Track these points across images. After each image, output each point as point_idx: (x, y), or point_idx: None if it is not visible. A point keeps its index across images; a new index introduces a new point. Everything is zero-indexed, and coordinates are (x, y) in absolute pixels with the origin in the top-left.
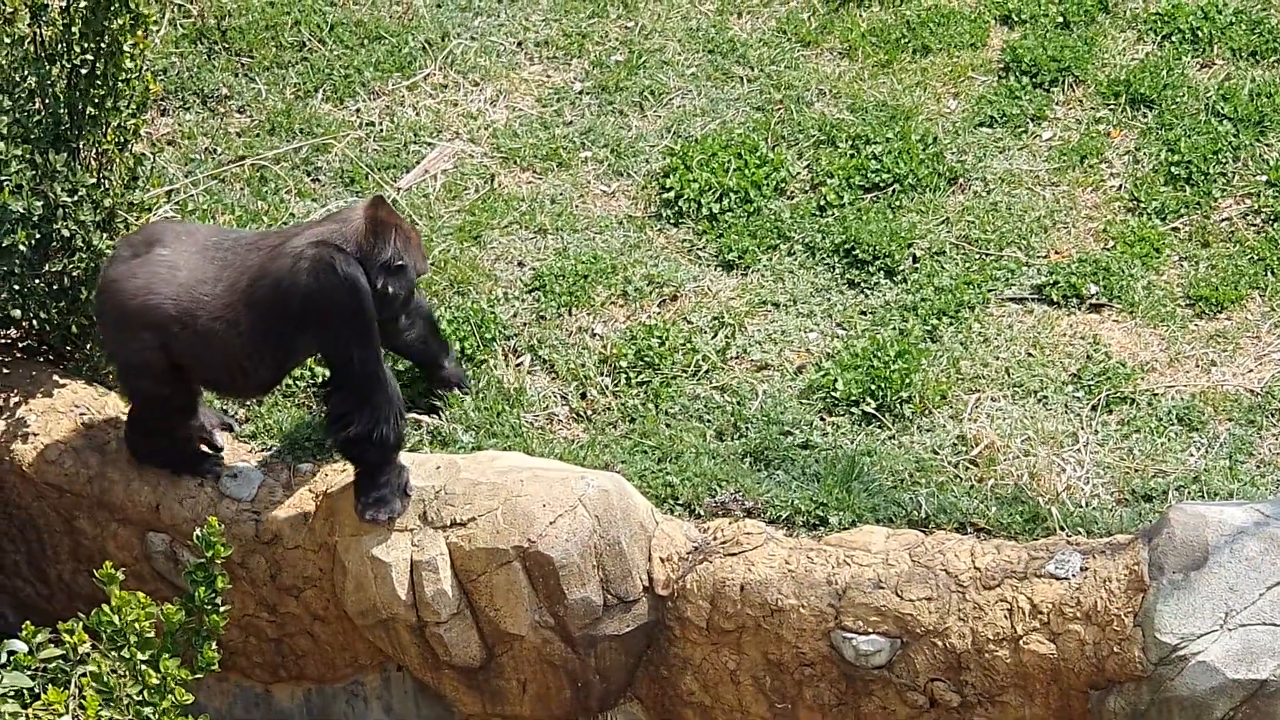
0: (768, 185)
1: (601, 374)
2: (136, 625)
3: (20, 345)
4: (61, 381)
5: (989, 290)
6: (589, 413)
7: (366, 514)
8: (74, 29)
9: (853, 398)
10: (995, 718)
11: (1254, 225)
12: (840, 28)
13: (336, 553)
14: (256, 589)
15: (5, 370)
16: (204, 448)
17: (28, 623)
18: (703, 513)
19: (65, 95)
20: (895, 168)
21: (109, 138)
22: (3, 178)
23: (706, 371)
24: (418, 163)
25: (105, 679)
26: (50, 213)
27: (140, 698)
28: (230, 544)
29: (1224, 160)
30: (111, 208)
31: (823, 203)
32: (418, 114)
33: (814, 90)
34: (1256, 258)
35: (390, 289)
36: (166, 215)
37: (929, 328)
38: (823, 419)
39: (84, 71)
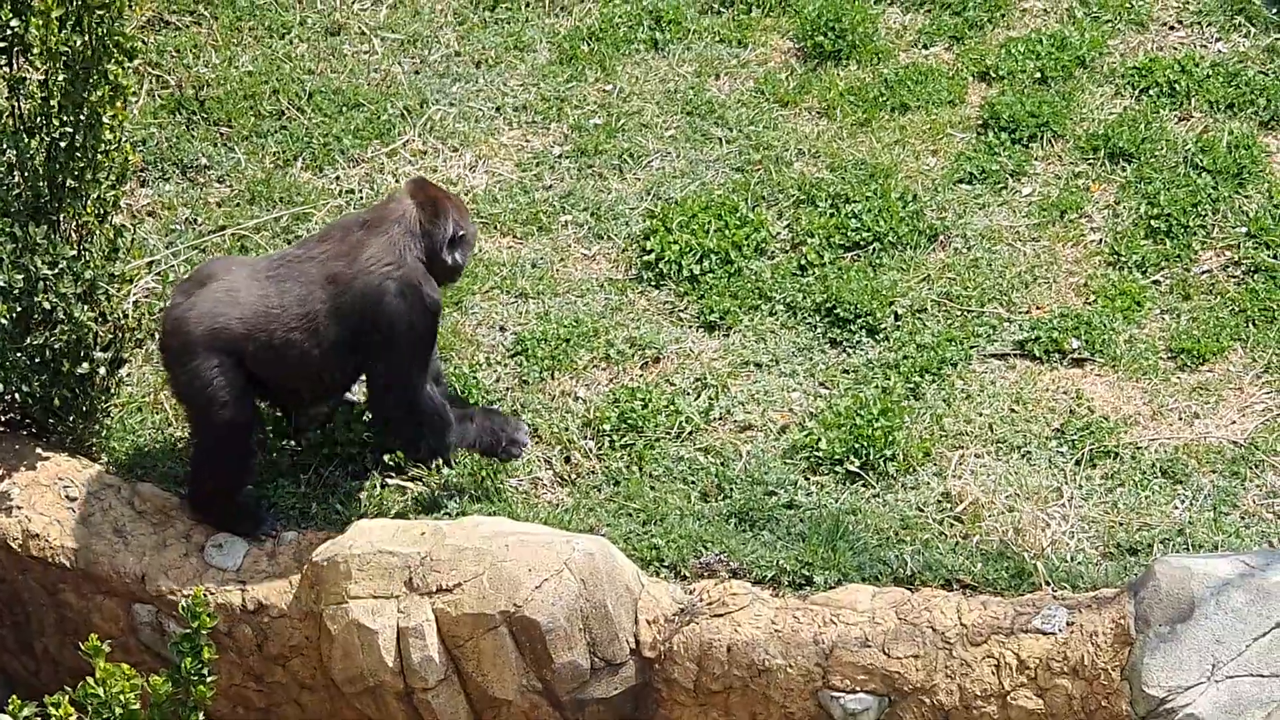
0: (748, 246)
1: (585, 437)
2: (122, 698)
3: (2, 419)
4: (45, 455)
5: (971, 347)
6: (573, 476)
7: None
8: (53, 101)
9: (836, 456)
10: None
11: (1234, 277)
12: (818, 87)
13: (323, 621)
14: (243, 659)
15: None
16: None
17: (14, 697)
18: (688, 574)
19: (45, 168)
20: (875, 226)
21: (89, 210)
22: None
23: (690, 433)
24: None
25: None
26: (31, 286)
27: None
28: (216, 614)
29: (1203, 213)
30: (92, 280)
31: (803, 262)
32: (397, 180)
33: (793, 150)
34: (1237, 309)
35: (459, 259)
36: (148, 287)
37: (911, 385)
38: (807, 478)
39: (63, 144)
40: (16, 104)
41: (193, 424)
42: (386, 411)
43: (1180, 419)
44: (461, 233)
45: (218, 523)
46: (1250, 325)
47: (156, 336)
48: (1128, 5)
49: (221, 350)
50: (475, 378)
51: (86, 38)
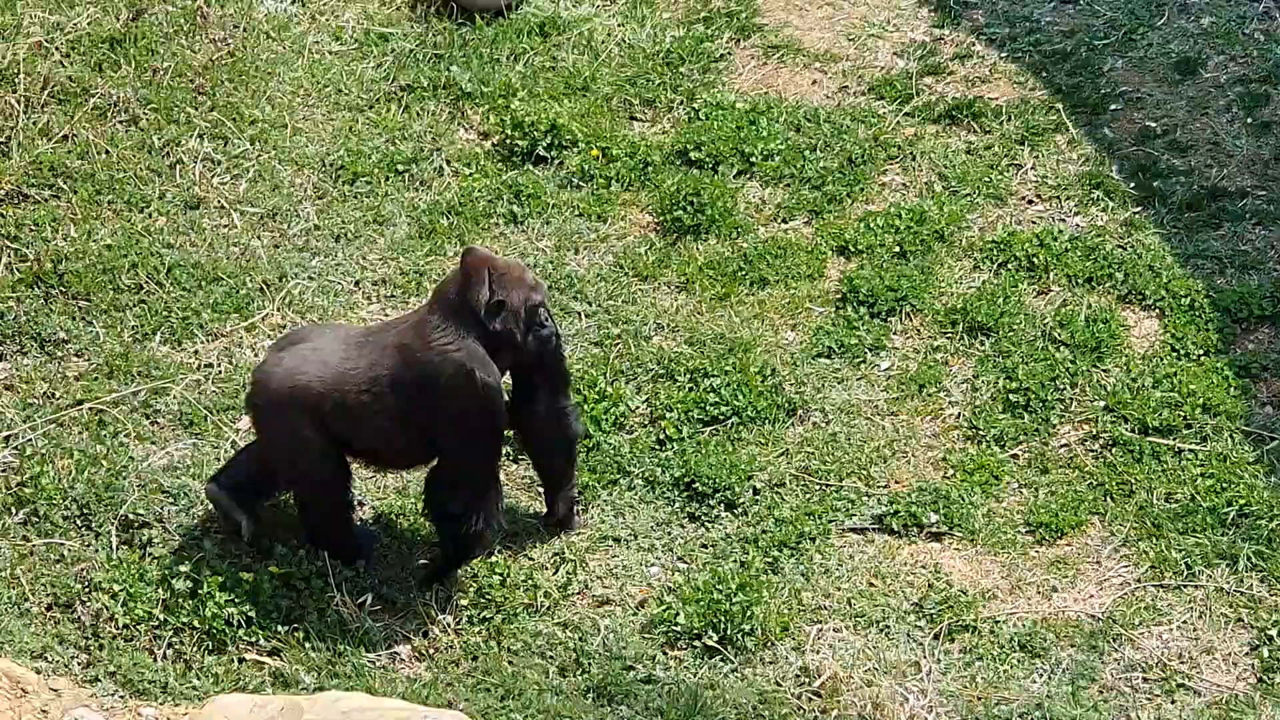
0: (606, 420)
1: (444, 612)
2: None
3: None
4: None
5: (830, 521)
6: (431, 651)
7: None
8: None
9: (695, 631)
10: None
11: (1092, 451)
12: (677, 261)
13: None
14: None
15: None
16: None
17: None
18: None
19: None
20: (734, 400)
21: None
22: None
23: (548, 608)
24: None
25: None
26: None
27: None
28: None
29: (1061, 386)
30: None
31: (662, 436)
32: (256, 355)
33: (652, 324)
34: (1095, 483)
35: (500, 326)
36: (5, 461)
37: (770, 559)
38: (665, 653)
39: None
40: None
41: (281, 477)
42: (435, 493)
43: (1038, 593)
44: (499, 298)
45: (332, 556)
46: (1108, 499)
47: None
48: (986, 180)
49: (301, 407)
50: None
51: None
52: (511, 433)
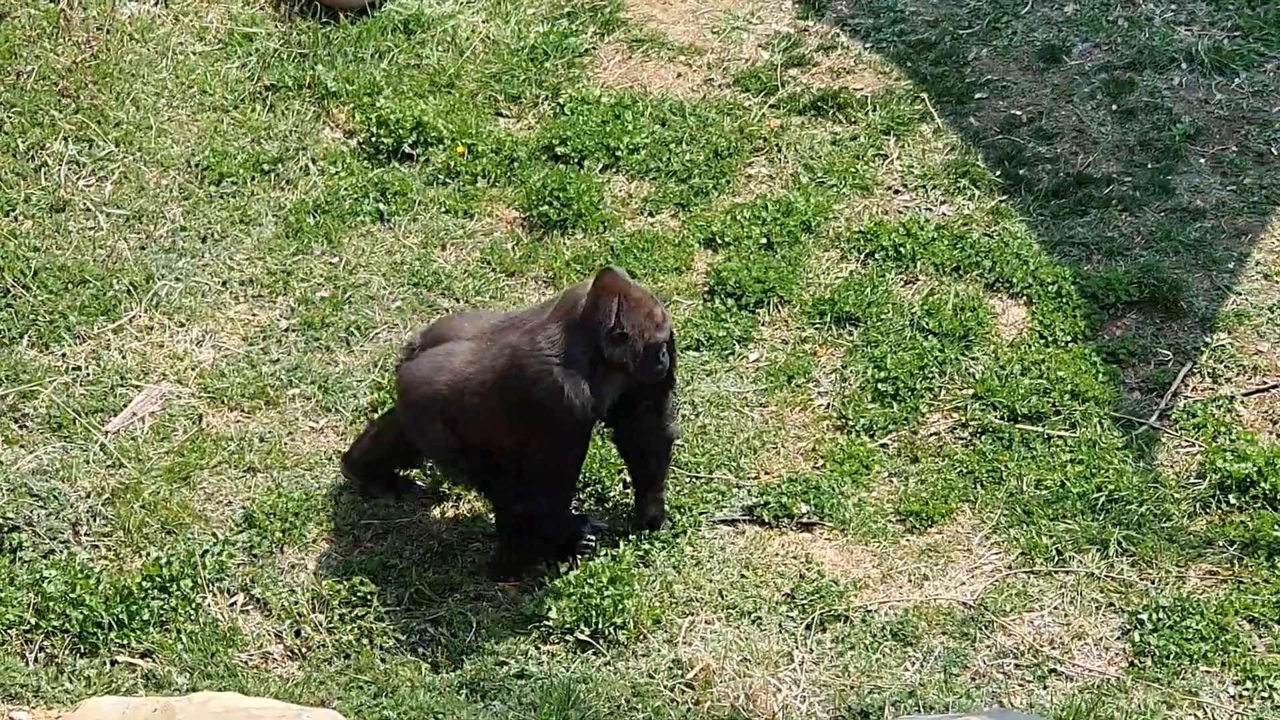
0: None
1: (315, 611)
2: None
3: None
4: None
5: (701, 513)
6: (304, 650)
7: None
8: None
9: (567, 625)
10: None
11: (962, 439)
12: (544, 256)
13: None
14: None
15: None
16: None
17: None
18: None
19: None
20: None
21: None
22: None
23: (420, 604)
24: (125, 406)
25: None
26: None
27: None
28: None
29: (930, 375)
30: None
31: None
32: (124, 357)
33: None
34: (965, 471)
35: (619, 356)
36: None
37: (642, 553)
38: (538, 648)
39: None
40: None
41: (450, 477)
42: (500, 497)
43: (910, 581)
44: (622, 330)
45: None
46: (978, 487)
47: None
48: (852, 170)
49: (436, 412)
50: (205, 552)
51: None
52: (609, 429)
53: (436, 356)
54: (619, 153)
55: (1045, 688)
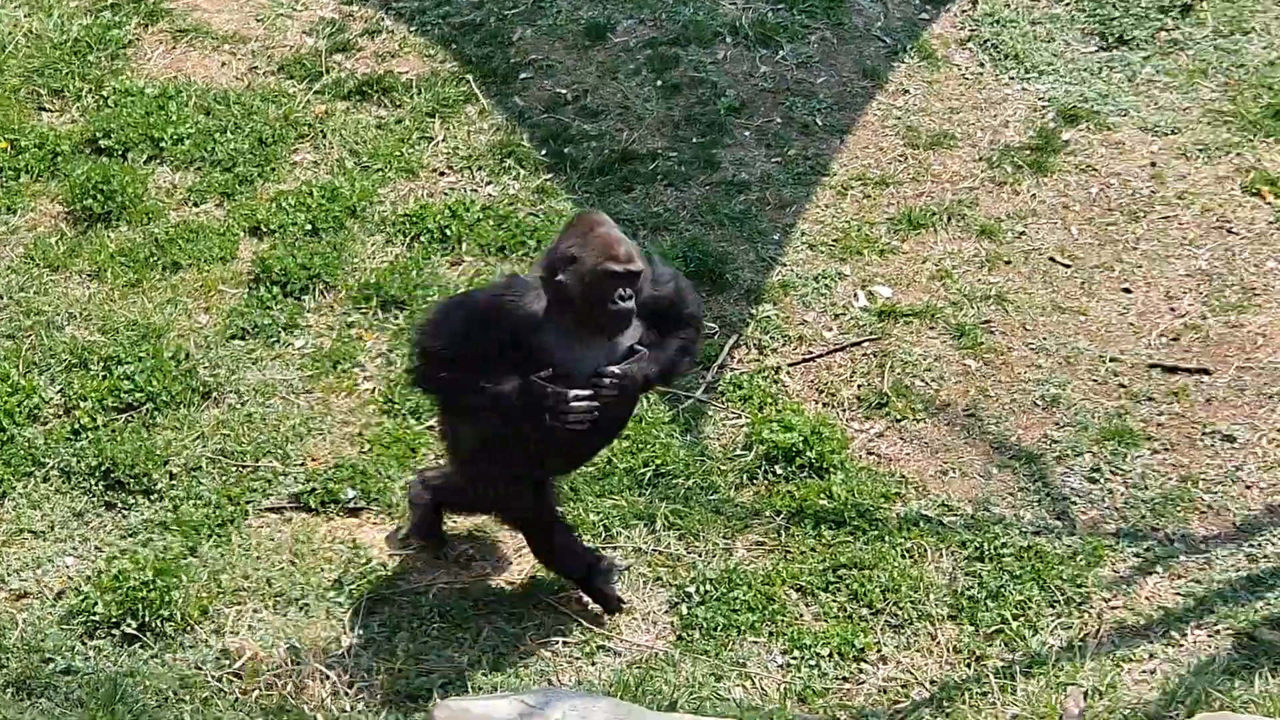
0: (20, 412)
1: None
2: None
3: None
4: None
5: (248, 502)
6: None
7: None
8: None
9: (113, 619)
10: None
11: None
12: (89, 250)
13: None
14: None
15: None
16: None
17: None
18: None
19: None
20: (148, 386)
21: None
22: None
23: None
24: None
25: None
26: None
27: None
28: None
29: None
30: None
31: (77, 426)
32: None
33: (64, 314)
34: None
35: (562, 278)
36: None
37: (190, 544)
38: (84, 643)
39: None
40: None
41: None
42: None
43: (458, 564)
44: (573, 253)
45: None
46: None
47: None
48: (398, 154)
49: None
50: None
51: None
52: None
53: None
54: (163, 144)
55: (594, 664)
